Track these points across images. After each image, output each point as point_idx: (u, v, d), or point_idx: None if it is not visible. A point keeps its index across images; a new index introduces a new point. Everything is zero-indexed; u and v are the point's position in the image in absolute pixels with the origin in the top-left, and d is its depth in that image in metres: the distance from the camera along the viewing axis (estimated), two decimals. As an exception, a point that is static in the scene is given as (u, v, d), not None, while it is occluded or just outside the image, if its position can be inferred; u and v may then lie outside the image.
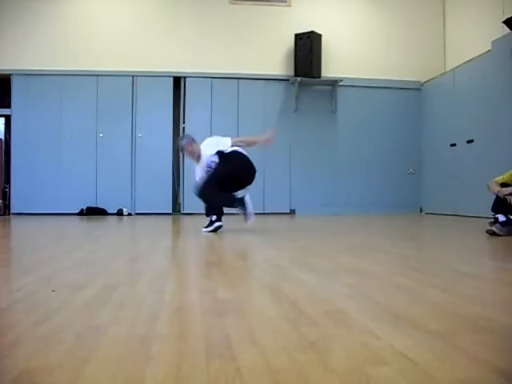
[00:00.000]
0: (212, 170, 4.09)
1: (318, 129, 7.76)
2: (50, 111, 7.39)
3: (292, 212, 7.46)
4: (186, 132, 4.49)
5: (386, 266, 2.25)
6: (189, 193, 7.70)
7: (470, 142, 6.60)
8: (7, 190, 7.42)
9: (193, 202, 7.67)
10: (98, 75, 7.44)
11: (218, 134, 7.58)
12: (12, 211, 7.27)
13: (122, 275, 2.02)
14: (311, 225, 5.21)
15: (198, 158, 4.28)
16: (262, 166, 7.45)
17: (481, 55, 6.40)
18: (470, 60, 6.70)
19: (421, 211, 7.95)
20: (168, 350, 1.01)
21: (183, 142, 4.35)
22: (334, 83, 7.74)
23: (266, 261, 2.55)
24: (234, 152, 4.13)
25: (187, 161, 7.68)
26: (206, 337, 1.10)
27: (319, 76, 7.59)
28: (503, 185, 3.79)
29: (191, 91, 7.62)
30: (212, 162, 4.13)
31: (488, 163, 5.98)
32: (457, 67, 7.06)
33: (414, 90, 8.00)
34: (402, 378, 0.86)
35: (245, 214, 3.98)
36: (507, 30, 5.68)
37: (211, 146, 4.22)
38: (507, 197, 3.64)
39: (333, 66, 7.78)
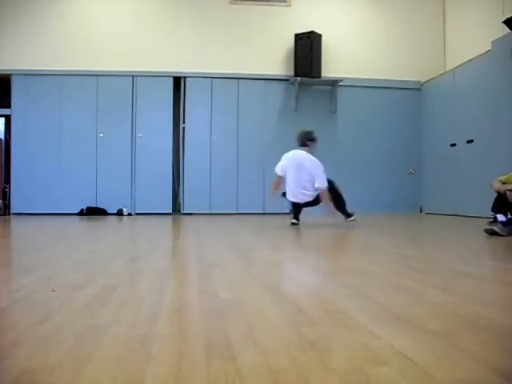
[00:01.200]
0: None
1: (318, 129, 7.67)
2: (50, 111, 7.39)
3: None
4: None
5: (385, 266, 2.25)
6: (189, 193, 7.74)
7: (470, 141, 6.60)
8: (7, 189, 7.42)
9: (193, 202, 7.74)
10: (98, 75, 7.44)
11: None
12: (12, 211, 7.27)
13: (122, 275, 2.02)
14: (311, 225, 5.21)
15: None
16: (262, 166, 7.47)
17: (481, 55, 6.39)
18: (470, 60, 6.70)
19: (421, 211, 7.95)
20: (168, 350, 1.01)
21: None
22: (333, 83, 7.74)
23: (265, 261, 2.55)
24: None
25: (187, 161, 7.71)
26: (206, 337, 1.09)
27: (319, 76, 7.59)
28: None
29: (191, 91, 7.63)
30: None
31: (488, 163, 5.98)
32: (457, 67, 7.06)
33: (414, 90, 8.00)
34: (401, 377, 0.86)
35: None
36: (507, 29, 5.68)
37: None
38: (507, 192, 3.63)
39: (333, 65, 7.78)
